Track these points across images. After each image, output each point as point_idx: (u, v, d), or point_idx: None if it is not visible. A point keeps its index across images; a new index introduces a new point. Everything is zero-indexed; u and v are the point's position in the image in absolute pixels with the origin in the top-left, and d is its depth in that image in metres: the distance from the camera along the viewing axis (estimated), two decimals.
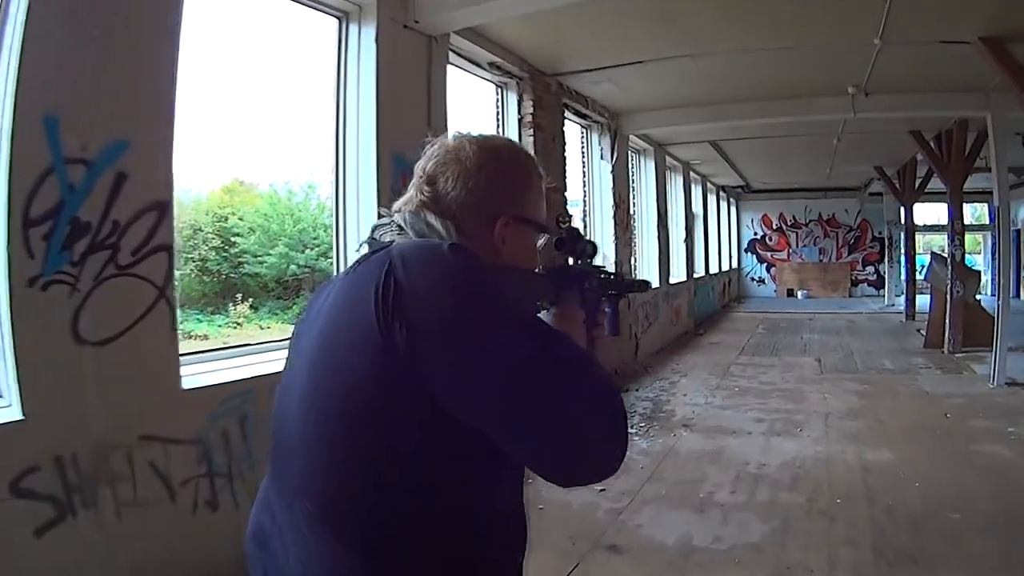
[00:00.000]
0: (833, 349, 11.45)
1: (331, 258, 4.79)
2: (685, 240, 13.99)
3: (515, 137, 6.41)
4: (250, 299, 16.57)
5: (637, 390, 8.10)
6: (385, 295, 0.98)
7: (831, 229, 22.59)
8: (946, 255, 10.95)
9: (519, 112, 6.48)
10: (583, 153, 8.95)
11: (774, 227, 22.98)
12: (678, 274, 13.32)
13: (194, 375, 3.35)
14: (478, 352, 0.96)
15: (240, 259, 16.93)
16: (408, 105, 4.61)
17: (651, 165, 11.55)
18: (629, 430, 1.04)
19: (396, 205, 1.24)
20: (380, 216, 1.26)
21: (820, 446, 5.88)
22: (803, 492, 4.81)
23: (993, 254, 21.11)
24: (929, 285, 12.31)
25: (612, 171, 8.93)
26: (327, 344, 1.07)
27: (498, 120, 6.51)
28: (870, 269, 22.36)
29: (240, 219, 17.45)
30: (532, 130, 6.43)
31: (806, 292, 22.18)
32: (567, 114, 7.69)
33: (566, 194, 7.35)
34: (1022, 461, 5.44)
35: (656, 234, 11.47)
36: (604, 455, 1.00)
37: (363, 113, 4.39)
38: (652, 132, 10.60)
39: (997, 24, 5.81)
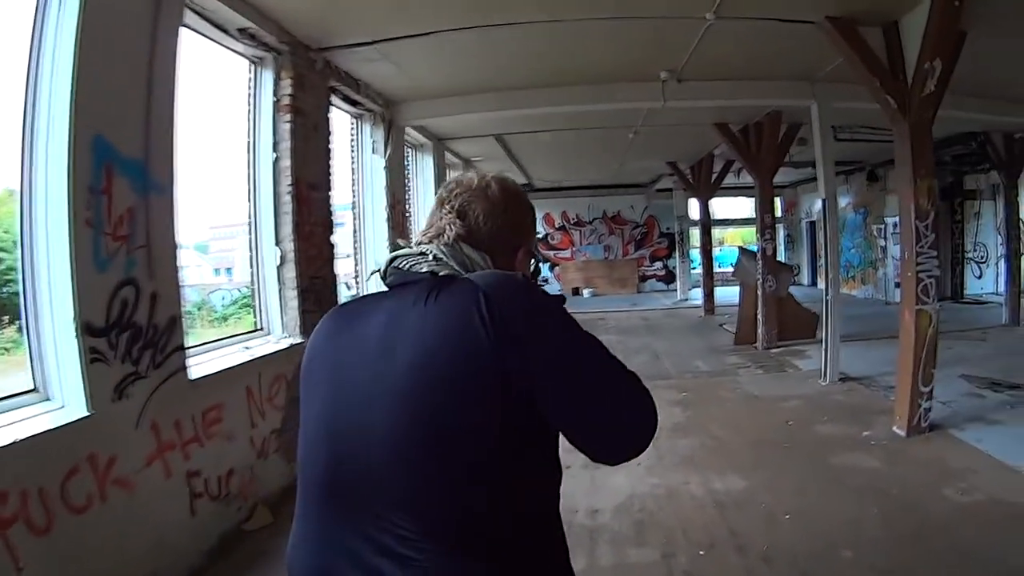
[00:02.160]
0: (636, 351, 11.54)
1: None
2: None
3: (269, 121, 5.67)
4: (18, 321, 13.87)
5: None
6: (496, 327, 1.20)
7: (616, 226, 23.95)
8: (754, 248, 11.61)
9: (275, 93, 5.70)
10: (353, 147, 8.34)
11: (557, 226, 23.89)
12: None
13: None
14: (577, 359, 1.26)
15: (7, 277, 14.04)
16: (122, 77, 3.72)
17: (430, 162, 11.17)
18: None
19: (419, 237, 1.45)
20: (398, 247, 1.45)
21: (656, 476, 5.39)
22: (655, 545, 4.24)
23: (786, 246, 23.70)
24: (737, 280, 12.90)
25: (386, 167, 8.42)
26: (426, 377, 1.21)
27: (250, 103, 5.69)
28: (658, 264, 24.06)
29: (6, 232, 14.64)
30: (290, 115, 5.69)
31: (593, 290, 23.21)
32: (335, 100, 7.05)
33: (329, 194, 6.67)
34: (897, 471, 5.26)
35: None
36: (648, 432, 1.29)
37: (57, 84, 3.44)
38: (432, 124, 10.21)
39: (847, 4, 5.92)
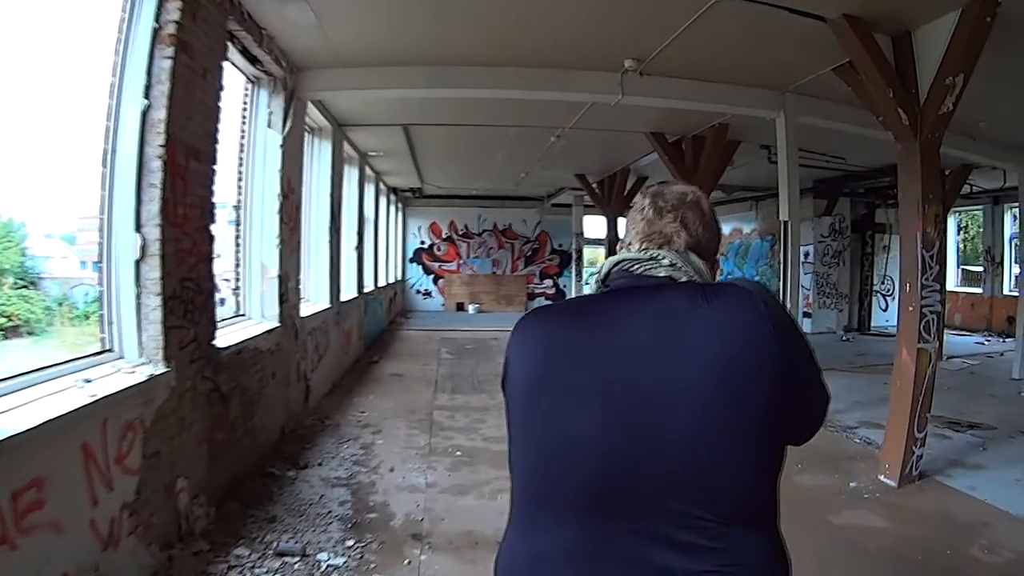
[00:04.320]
0: None
1: None
2: (357, 248, 12.26)
3: (143, 55, 3.96)
4: None
5: (320, 464, 6.03)
6: (776, 328, 1.35)
7: (507, 240, 22.85)
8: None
9: (157, 19, 4.00)
10: (244, 117, 6.65)
11: (444, 236, 22.50)
12: (349, 289, 11.48)
13: None
14: (810, 352, 1.45)
15: None
16: None
17: (328, 150, 9.53)
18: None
19: (638, 243, 1.55)
20: (618, 249, 1.59)
21: None
22: None
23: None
24: None
25: (283, 146, 6.77)
26: (727, 375, 1.30)
27: (122, 28, 3.97)
28: (548, 282, 23.06)
29: None
30: (173, 50, 4.03)
31: (478, 306, 21.98)
32: (232, 50, 5.44)
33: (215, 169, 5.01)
34: (912, 531, 4.83)
35: (328, 239, 9.51)
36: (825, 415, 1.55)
37: None
38: (339, 102, 8.70)
39: (868, 4, 5.33)
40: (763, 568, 1.34)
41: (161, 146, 4.03)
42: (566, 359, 1.39)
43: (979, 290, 16.69)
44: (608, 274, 1.52)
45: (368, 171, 13.55)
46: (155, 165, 4.03)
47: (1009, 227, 15.94)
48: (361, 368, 11.20)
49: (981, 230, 16.83)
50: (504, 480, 4.99)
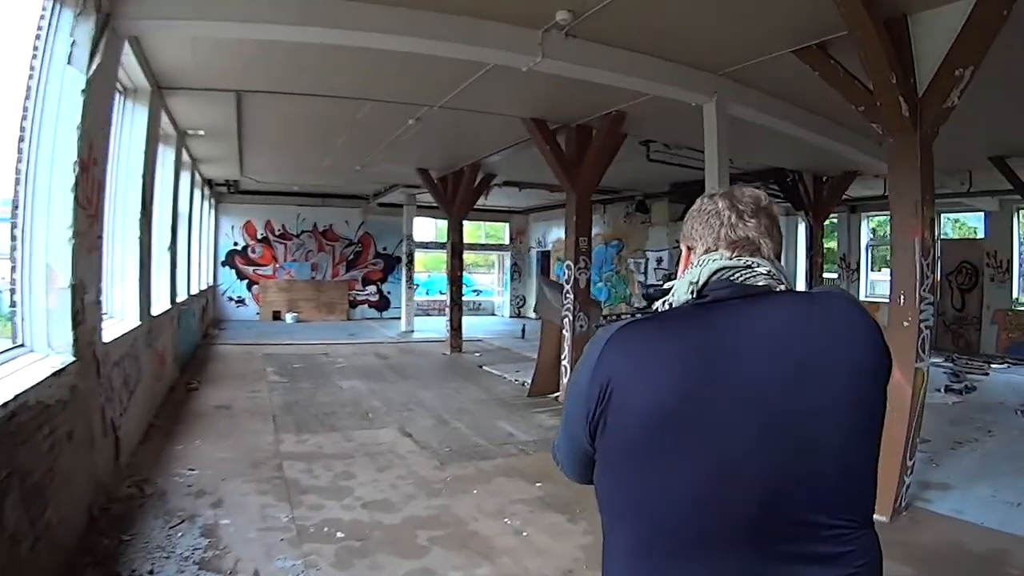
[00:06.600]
0: (406, 408, 8.59)
1: None
2: (170, 248, 9.64)
3: None
4: None
5: (152, 573, 3.82)
6: (881, 336, 1.29)
7: (328, 242, 20.49)
8: (562, 281, 9.54)
9: None
10: (36, 47, 4.21)
11: (259, 237, 19.72)
12: (160, 300, 8.88)
13: None
14: None
15: None
16: None
17: (143, 120, 7.06)
18: None
19: (726, 249, 1.36)
20: (716, 257, 1.36)
21: None
22: None
23: (512, 275, 22.10)
24: (539, 316, 11.08)
25: (86, 92, 4.39)
26: (860, 384, 1.25)
27: None
28: (371, 289, 20.97)
29: None
30: None
31: (296, 315, 19.44)
32: None
33: None
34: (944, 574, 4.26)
35: (138, 235, 7.05)
36: None
37: None
38: (164, 43, 6.19)
39: None
40: (879, 561, 1.28)
41: None
42: (703, 382, 1.21)
43: None
44: (706, 283, 1.34)
45: (185, 156, 10.90)
46: None
47: (866, 235, 16.35)
48: (178, 398, 8.66)
49: (836, 235, 17.04)
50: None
